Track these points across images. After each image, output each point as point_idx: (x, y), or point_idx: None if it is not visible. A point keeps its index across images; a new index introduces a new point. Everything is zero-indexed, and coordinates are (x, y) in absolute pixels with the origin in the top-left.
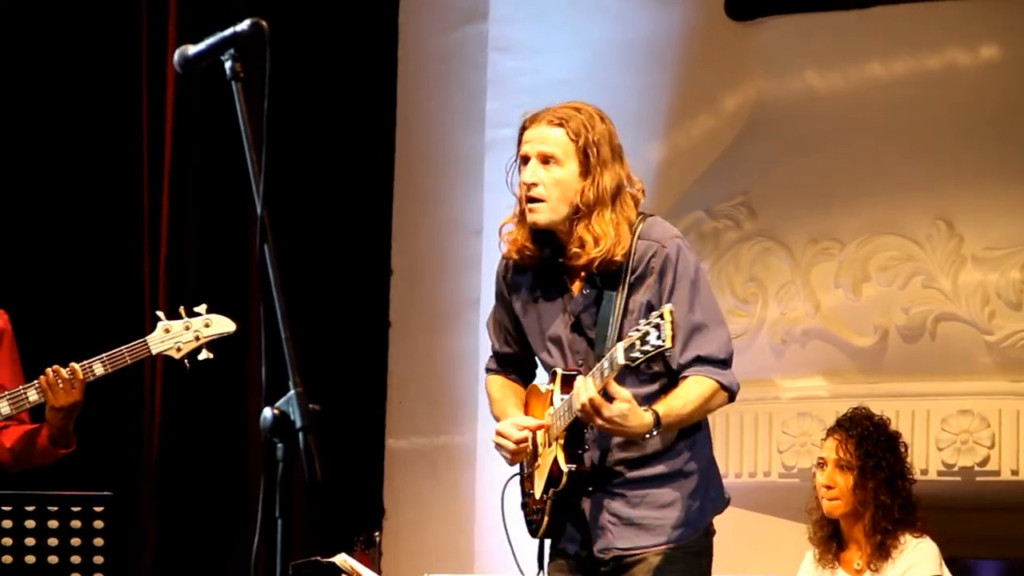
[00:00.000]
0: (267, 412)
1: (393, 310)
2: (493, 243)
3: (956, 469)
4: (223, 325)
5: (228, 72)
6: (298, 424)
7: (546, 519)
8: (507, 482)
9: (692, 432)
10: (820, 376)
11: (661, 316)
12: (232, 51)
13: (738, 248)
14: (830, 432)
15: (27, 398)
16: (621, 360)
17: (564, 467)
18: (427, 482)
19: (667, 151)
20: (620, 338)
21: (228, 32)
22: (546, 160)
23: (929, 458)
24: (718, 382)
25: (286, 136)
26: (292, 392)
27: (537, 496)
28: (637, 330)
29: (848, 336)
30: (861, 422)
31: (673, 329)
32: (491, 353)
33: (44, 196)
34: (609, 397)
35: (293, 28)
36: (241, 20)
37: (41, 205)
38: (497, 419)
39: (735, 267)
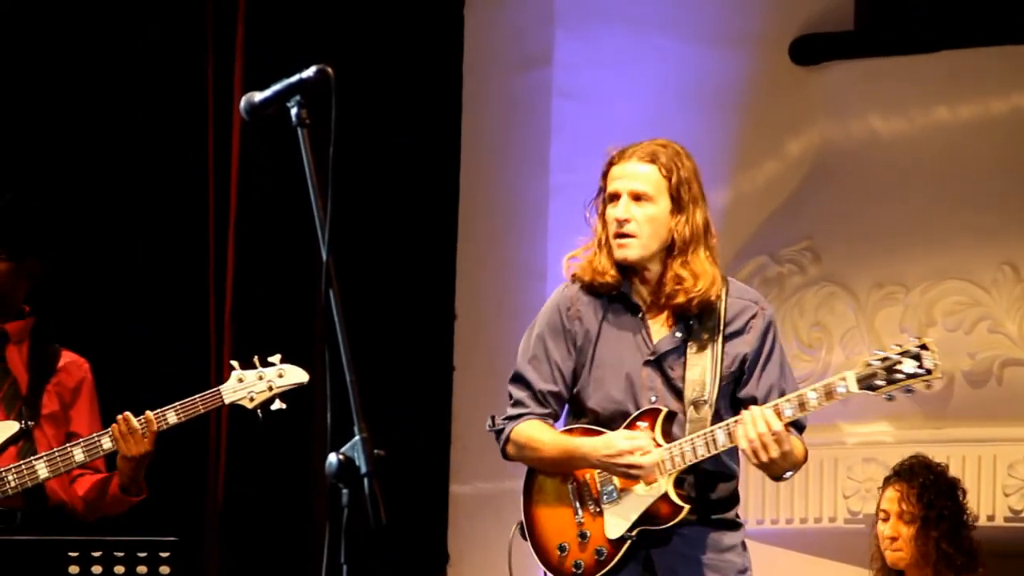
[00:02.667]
0: (332, 457)
1: (457, 355)
2: (557, 287)
3: (1023, 515)
4: (296, 375)
5: (294, 119)
6: (363, 469)
7: (616, 559)
8: (515, 529)
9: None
10: (885, 421)
11: (923, 346)
12: (298, 98)
13: (803, 293)
14: (888, 482)
15: (101, 445)
16: (853, 388)
17: (681, 503)
18: (491, 527)
19: (732, 196)
20: (719, 384)
21: (294, 79)
22: (638, 197)
23: (996, 504)
24: (804, 449)
25: (351, 182)
26: (357, 437)
27: (613, 536)
28: (883, 358)
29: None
30: (921, 472)
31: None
32: (514, 400)
33: (113, 246)
34: None
35: (358, 74)
36: (307, 67)
37: (110, 254)
38: (552, 459)
39: (800, 312)
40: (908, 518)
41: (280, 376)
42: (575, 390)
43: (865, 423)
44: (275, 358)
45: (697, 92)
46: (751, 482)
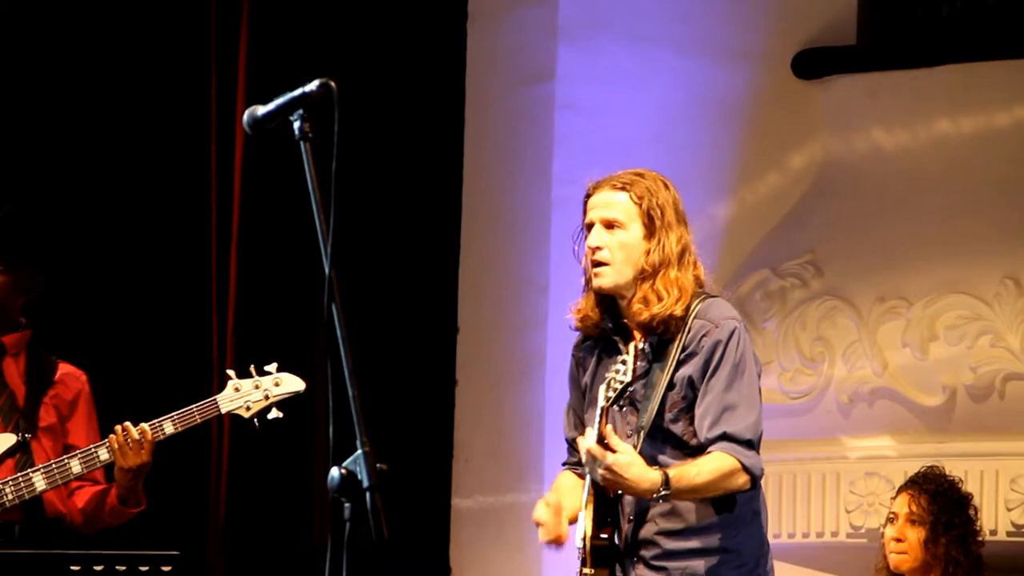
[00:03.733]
0: (334, 471)
1: (459, 368)
2: (560, 301)
3: None
4: (293, 384)
5: (297, 132)
6: (365, 483)
7: None
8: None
9: (741, 509)
10: (887, 435)
11: (627, 352)
12: (301, 111)
13: (805, 307)
14: (902, 489)
15: (98, 457)
16: (600, 402)
17: (588, 530)
18: (493, 541)
19: (734, 209)
20: (661, 411)
21: (297, 92)
22: (610, 225)
23: (998, 518)
24: (740, 462)
25: (353, 195)
26: (359, 451)
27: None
28: (615, 369)
29: (915, 395)
30: (935, 479)
31: (635, 365)
32: None
33: (115, 256)
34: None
35: (361, 87)
36: (310, 79)
37: (112, 264)
38: None
39: (801, 326)
40: (916, 520)
41: (276, 385)
42: None
43: (867, 437)
44: (271, 367)
45: (700, 106)
46: None
